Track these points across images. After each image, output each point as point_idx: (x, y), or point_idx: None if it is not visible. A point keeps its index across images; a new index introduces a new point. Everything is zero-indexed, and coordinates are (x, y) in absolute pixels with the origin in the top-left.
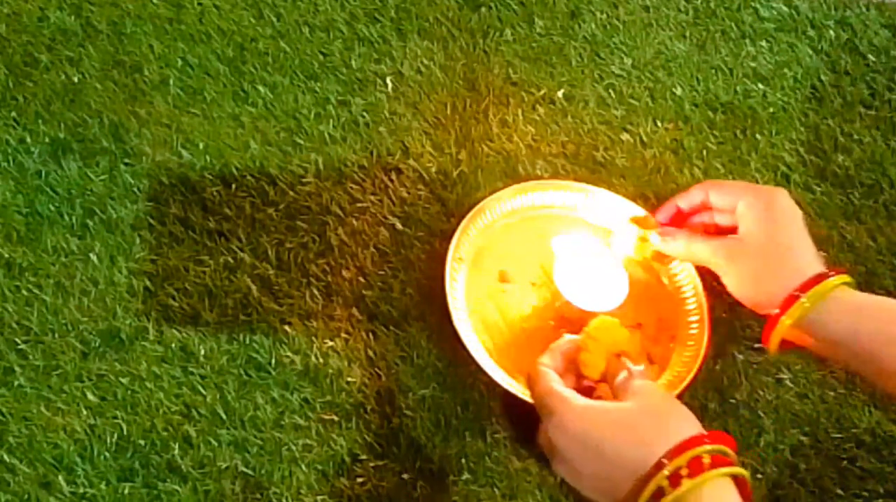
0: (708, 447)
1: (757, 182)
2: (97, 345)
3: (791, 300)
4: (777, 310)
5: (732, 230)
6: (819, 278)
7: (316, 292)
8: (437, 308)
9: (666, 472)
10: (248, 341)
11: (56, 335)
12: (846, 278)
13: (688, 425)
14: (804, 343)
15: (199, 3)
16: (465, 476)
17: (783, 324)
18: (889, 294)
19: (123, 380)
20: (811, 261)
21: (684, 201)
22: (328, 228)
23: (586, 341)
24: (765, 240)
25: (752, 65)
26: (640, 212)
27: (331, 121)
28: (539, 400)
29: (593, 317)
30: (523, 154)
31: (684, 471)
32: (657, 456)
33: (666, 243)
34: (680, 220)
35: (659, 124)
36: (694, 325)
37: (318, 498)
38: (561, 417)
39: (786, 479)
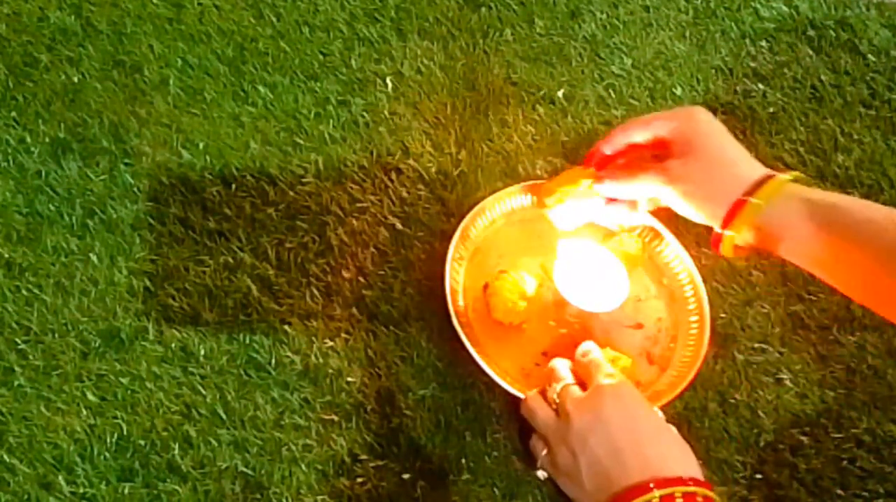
0: (701, 490)
1: None
2: (97, 345)
3: (740, 204)
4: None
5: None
6: (766, 178)
7: (316, 292)
8: (437, 308)
9: (657, 493)
10: (248, 341)
11: (56, 335)
12: (796, 174)
13: (689, 461)
14: (756, 246)
15: (199, 3)
16: (465, 476)
17: (737, 226)
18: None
19: (123, 380)
20: (752, 167)
21: (608, 146)
22: (328, 228)
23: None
24: (700, 155)
25: (752, 65)
26: (654, 223)
27: (331, 121)
28: (602, 371)
29: (593, 317)
30: (523, 154)
31: (679, 496)
32: (661, 475)
33: (608, 184)
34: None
35: None
36: (694, 325)
37: (318, 498)
38: (624, 386)
39: (786, 479)
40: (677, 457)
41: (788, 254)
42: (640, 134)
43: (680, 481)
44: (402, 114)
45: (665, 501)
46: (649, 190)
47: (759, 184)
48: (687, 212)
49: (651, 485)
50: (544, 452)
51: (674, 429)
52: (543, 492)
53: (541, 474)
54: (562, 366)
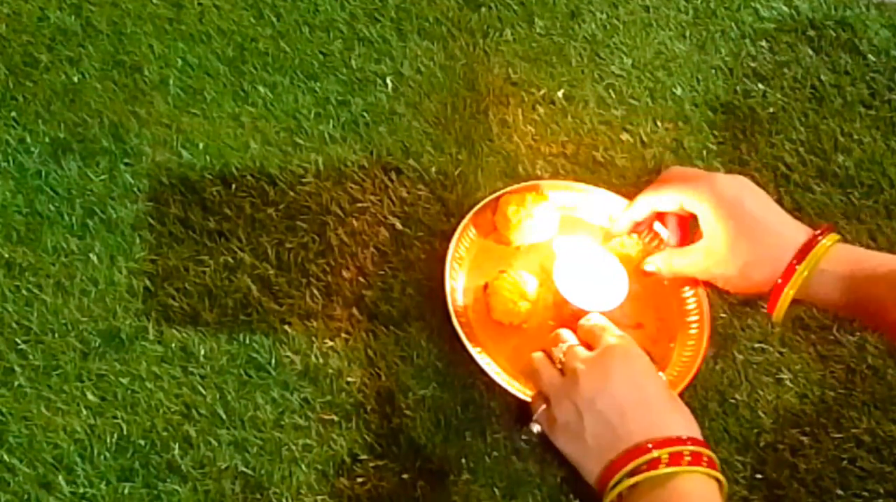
0: (705, 450)
1: (757, 183)
2: (97, 345)
3: (791, 271)
4: (780, 281)
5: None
6: (811, 243)
7: (316, 292)
8: (437, 308)
9: (655, 453)
10: (248, 341)
11: (56, 335)
12: (835, 237)
13: (691, 423)
14: (807, 302)
15: (199, 3)
16: (465, 476)
17: (787, 295)
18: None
19: (123, 380)
20: (792, 229)
21: (636, 213)
22: (328, 228)
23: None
24: (735, 233)
25: (752, 65)
26: (654, 224)
27: (331, 121)
28: (608, 331)
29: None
30: (523, 154)
31: (687, 455)
32: (664, 435)
33: (651, 265)
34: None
35: (659, 124)
36: (694, 325)
37: (318, 498)
38: (632, 348)
39: (786, 479)
40: (679, 420)
41: (829, 309)
42: (663, 203)
43: (679, 441)
44: (402, 114)
45: (674, 458)
46: (691, 271)
47: (805, 250)
48: (738, 290)
49: (650, 446)
50: (543, 407)
51: (674, 393)
52: (543, 492)
53: (535, 428)
54: (566, 332)
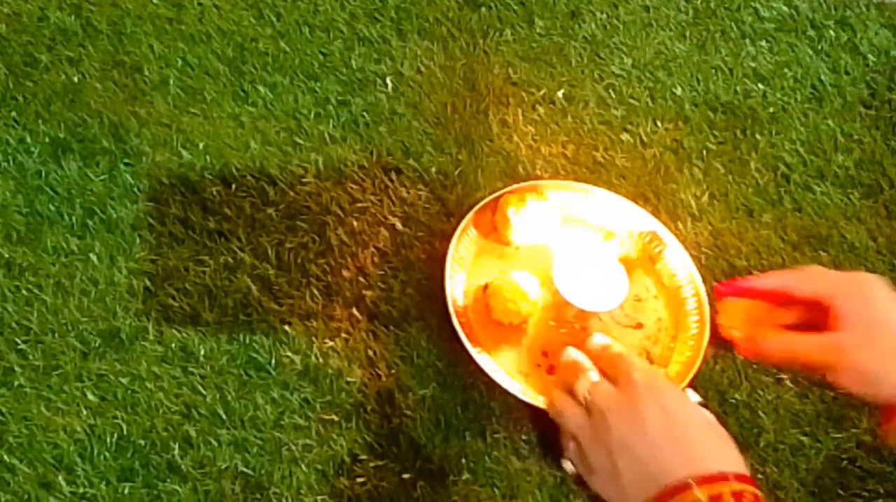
0: (749, 488)
1: (757, 183)
2: (97, 345)
3: None
4: None
5: (814, 323)
6: None
7: (316, 292)
8: (437, 308)
9: (696, 492)
10: (248, 341)
11: (56, 335)
12: None
13: (731, 454)
14: None
15: (199, 3)
16: (465, 476)
17: None
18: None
19: (123, 380)
20: None
21: (763, 283)
22: (328, 228)
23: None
24: (875, 332)
25: (752, 65)
26: (654, 224)
27: (331, 121)
28: (631, 364)
29: (593, 317)
30: (523, 154)
31: (729, 495)
32: (703, 471)
33: (764, 347)
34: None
35: (659, 124)
36: (694, 325)
37: (318, 498)
38: (659, 380)
39: (786, 479)
40: (719, 451)
41: None
42: (800, 286)
43: (723, 477)
44: (402, 114)
45: (714, 500)
46: (810, 359)
47: None
48: (856, 391)
49: (690, 482)
50: (573, 446)
51: (711, 417)
52: (543, 492)
53: (568, 468)
54: (583, 358)
